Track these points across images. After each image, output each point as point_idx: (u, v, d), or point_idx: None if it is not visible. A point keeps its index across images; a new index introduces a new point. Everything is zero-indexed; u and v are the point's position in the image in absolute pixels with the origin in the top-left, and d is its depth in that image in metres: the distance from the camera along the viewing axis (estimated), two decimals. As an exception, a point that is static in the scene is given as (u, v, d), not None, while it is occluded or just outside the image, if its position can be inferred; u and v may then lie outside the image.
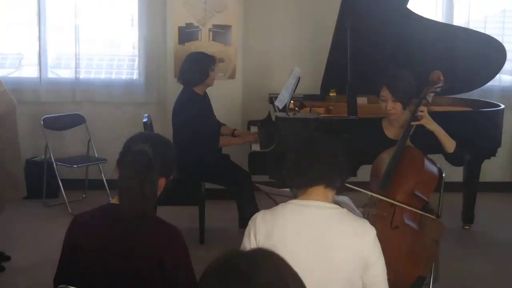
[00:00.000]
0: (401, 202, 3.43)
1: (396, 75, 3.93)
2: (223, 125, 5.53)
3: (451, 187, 4.88)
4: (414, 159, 3.65)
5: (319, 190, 2.40)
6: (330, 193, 2.44)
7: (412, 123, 3.77)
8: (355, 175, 4.08)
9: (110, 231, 2.31)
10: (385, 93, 3.86)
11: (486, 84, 5.90)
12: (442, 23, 5.49)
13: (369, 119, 4.60)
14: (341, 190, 2.53)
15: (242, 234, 2.48)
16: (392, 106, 3.84)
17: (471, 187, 5.49)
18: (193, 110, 5.04)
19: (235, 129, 5.55)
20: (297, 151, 2.49)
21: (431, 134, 3.81)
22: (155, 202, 2.34)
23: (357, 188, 3.51)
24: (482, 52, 5.44)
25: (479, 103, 5.61)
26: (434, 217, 3.51)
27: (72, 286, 2.33)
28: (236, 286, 1.39)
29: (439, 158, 3.88)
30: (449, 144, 3.80)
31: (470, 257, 5.02)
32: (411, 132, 3.81)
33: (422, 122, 3.77)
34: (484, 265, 4.87)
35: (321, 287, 2.27)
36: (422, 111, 3.78)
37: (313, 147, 2.45)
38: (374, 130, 4.05)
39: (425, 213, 3.49)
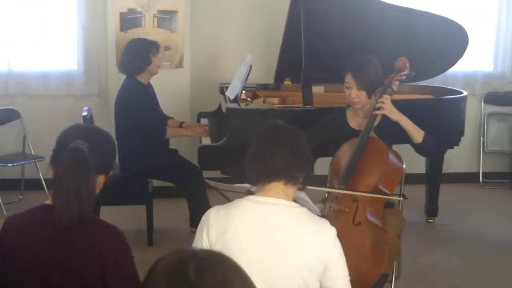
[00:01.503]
0: (363, 192, 3.45)
1: (363, 61, 3.87)
2: (170, 118, 5.48)
3: (413, 179, 4.95)
4: (378, 152, 3.64)
5: (279, 186, 2.37)
6: (291, 190, 2.41)
7: (374, 113, 3.74)
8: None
9: (45, 234, 2.26)
10: (349, 79, 3.81)
11: (449, 71, 5.97)
12: (401, 6, 5.51)
13: (332, 108, 4.60)
14: (303, 187, 2.50)
15: (193, 234, 2.46)
16: (356, 94, 3.80)
17: (434, 178, 5.55)
18: (136, 99, 4.98)
19: (182, 122, 5.48)
20: (259, 140, 2.44)
21: (396, 124, 3.77)
22: (93, 202, 2.29)
23: (319, 188, 3.53)
24: (444, 37, 5.51)
25: (441, 91, 5.68)
26: (401, 198, 3.52)
27: (6, 293, 2.28)
28: None
29: (399, 149, 3.89)
30: (417, 134, 3.76)
31: (434, 251, 5.08)
32: (376, 123, 3.80)
33: (384, 112, 3.73)
34: (448, 259, 4.93)
35: (276, 288, 2.27)
36: (383, 102, 3.73)
37: (277, 137, 2.41)
38: (337, 120, 4.01)
39: (390, 198, 3.54)
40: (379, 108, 3.74)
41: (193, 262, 1.42)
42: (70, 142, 2.28)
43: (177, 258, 1.44)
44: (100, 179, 2.36)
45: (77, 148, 2.26)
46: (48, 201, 2.34)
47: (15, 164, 5.94)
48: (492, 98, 6.92)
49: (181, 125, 5.42)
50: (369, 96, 3.83)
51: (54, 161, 2.33)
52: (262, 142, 2.43)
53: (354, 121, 3.96)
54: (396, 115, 3.75)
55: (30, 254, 2.25)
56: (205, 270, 1.41)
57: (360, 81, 3.78)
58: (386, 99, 3.76)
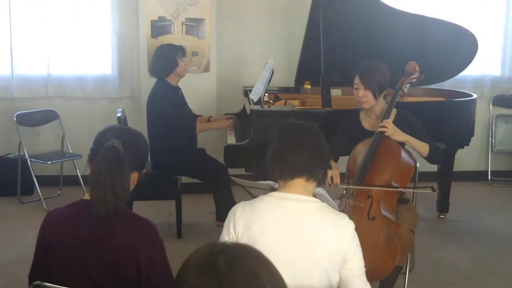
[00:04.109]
0: (377, 186, 3.42)
1: (371, 65, 3.87)
2: (199, 116, 5.50)
3: (426, 176, 4.90)
4: (391, 151, 3.62)
5: (300, 183, 2.36)
6: (311, 186, 2.40)
7: (380, 129, 3.68)
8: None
9: (83, 227, 2.26)
10: (357, 80, 3.83)
11: (459, 74, 5.92)
12: (413, 13, 5.47)
13: (346, 110, 4.58)
14: (322, 181, 2.49)
15: (219, 228, 2.46)
16: (363, 94, 3.80)
17: (446, 176, 5.50)
18: (166, 100, 5.00)
19: (210, 117, 5.53)
20: (281, 138, 2.41)
21: (406, 126, 3.75)
22: (128, 197, 2.28)
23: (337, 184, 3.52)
24: (454, 42, 5.46)
25: (452, 93, 5.64)
26: (429, 191, 3.43)
27: (48, 282, 2.28)
28: (212, 284, 1.36)
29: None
30: (423, 150, 3.76)
31: (446, 245, 5.03)
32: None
33: (388, 134, 3.67)
34: (459, 253, 4.89)
35: (299, 280, 2.26)
36: (385, 126, 3.67)
37: (298, 136, 2.38)
38: (351, 121, 4.02)
39: (422, 190, 3.49)
40: (383, 131, 3.68)
41: (223, 254, 1.41)
42: (106, 142, 2.29)
43: (208, 250, 1.44)
44: (134, 176, 2.36)
45: (113, 147, 2.26)
46: (87, 196, 2.34)
47: (54, 161, 5.98)
48: (500, 101, 6.86)
49: (209, 119, 5.47)
50: (375, 97, 3.82)
51: (91, 158, 2.34)
52: (284, 140, 2.40)
53: (367, 123, 3.96)
54: (401, 136, 3.71)
55: (70, 247, 2.26)
56: (235, 263, 1.40)
57: (367, 82, 3.79)
58: (387, 123, 3.70)
